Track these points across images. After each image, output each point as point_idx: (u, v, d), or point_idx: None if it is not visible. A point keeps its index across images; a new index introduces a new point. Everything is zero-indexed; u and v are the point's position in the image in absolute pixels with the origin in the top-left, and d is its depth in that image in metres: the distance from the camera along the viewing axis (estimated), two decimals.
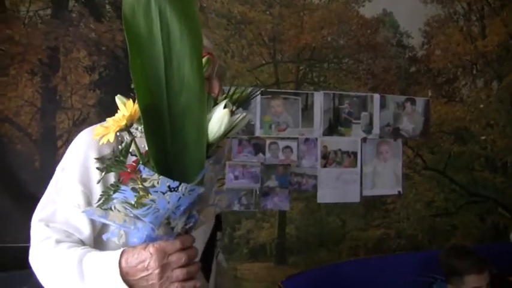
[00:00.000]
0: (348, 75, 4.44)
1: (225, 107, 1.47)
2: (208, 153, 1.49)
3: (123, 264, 1.52)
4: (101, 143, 1.46)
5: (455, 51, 4.72)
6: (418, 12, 4.62)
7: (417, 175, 4.62)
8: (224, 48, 4.05)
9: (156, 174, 1.40)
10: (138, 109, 1.44)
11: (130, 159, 1.55)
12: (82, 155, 1.83)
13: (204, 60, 1.52)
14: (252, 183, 4.09)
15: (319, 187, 4.24)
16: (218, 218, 2.22)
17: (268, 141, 4.14)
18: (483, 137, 4.81)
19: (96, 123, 2.08)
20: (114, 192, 1.46)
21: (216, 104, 1.50)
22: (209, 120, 1.47)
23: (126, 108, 1.45)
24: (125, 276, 1.52)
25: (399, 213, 4.55)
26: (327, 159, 4.25)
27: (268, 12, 4.21)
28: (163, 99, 1.45)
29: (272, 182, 4.14)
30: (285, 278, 3.63)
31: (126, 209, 1.45)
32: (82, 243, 1.78)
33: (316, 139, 4.25)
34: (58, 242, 1.72)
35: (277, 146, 4.15)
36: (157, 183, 1.40)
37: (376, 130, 4.40)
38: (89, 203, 1.81)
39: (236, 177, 4.06)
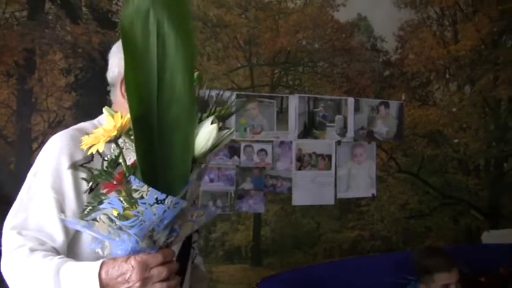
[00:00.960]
0: (322, 78, 4.47)
1: (212, 122, 1.48)
2: (192, 167, 1.49)
3: (103, 275, 1.51)
4: (89, 152, 1.45)
5: (428, 55, 4.78)
6: (392, 17, 4.66)
7: (391, 178, 4.66)
8: (200, 51, 4.06)
9: (146, 186, 1.41)
10: (128, 120, 1.45)
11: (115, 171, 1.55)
12: (54, 160, 1.82)
13: (195, 75, 1.52)
14: (227, 185, 4.10)
15: (294, 190, 4.26)
16: None
17: (243, 144, 4.15)
18: (456, 140, 4.87)
19: (72, 125, 2.08)
20: (101, 202, 1.45)
21: (201, 119, 1.51)
22: (196, 134, 1.47)
23: (114, 120, 1.45)
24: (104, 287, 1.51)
25: (373, 215, 4.59)
26: (301, 162, 4.28)
27: (243, 16, 4.23)
28: (154, 110, 1.46)
29: (247, 185, 4.15)
30: (261, 280, 3.64)
31: (111, 220, 1.44)
32: (56, 251, 1.76)
33: (291, 142, 4.27)
34: (32, 250, 1.70)
35: (252, 149, 4.17)
36: (146, 194, 1.41)
37: (350, 133, 4.44)
38: (61, 209, 1.80)
39: (211, 180, 4.07)
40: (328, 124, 4.37)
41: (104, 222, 1.46)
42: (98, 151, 1.93)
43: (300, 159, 4.28)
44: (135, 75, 1.45)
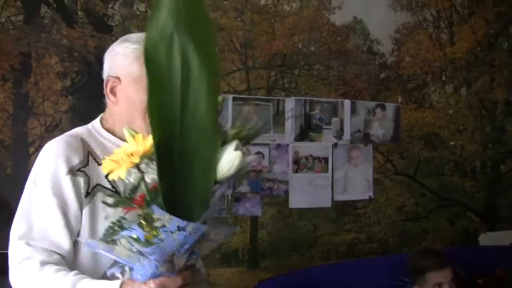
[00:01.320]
0: (318, 81, 4.47)
1: (235, 149, 1.47)
2: (213, 192, 1.49)
3: None
4: (110, 178, 1.44)
5: (424, 57, 4.78)
6: (388, 19, 4.67)
7: (388, 180, 4.66)
8: None
9: (168, 214, 1.40)
10: (151, 145, 1.43)
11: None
12: (51, 166, 1.84)
13: (219, 99, 1.51)
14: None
15: (291, 192, 4.26)
16: None
17: None
18: (452, 142, 4.88)
19: (68, 129, 2.09)
20: (121, 227, 1.45)
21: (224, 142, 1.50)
22: (219, 159, 1.46)
23: (136, 141, 1.45)
24: None
25: (370, 217, 4.59)
26: (298, 164, 4.28)
27: (239, 19, 4.23)
28: (176, 135, 1.44)
29: (244, 188, 4.15)
30: (258, 283, 3.64)
31: (131, 244, 1.44)
32: (64, 260, 1.78)
33: (288, 145, 4.27)
34: (42, 264, 1.71)
35: (249, 151, 4.16)
36: (168, 223, 1.40)
37: (347, 136, 4.44)
38: (65, 214, 1.82)
39: None
40: (324, 127, 4.37)
41: (124, 246, 1.45)
42: (92, 155, 1.95)
43: (296, 162, 4.28)
44: (158, 99, 1.43)
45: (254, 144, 4.14)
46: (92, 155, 1.93)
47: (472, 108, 4.91)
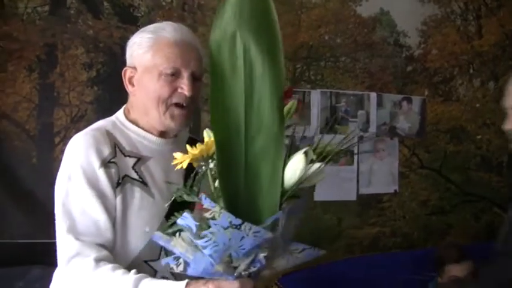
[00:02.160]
0: (344, 73, 4.44)
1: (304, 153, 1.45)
2: (283, 200, 1.46)
3: None
4: (177, 168, 1.48)
5: (451, 50, 4.73)
6: (415, 11, 4.63)
7: (413, 174, 4.63)
8: None
9: (218, 206, 1.39)
10: (213, 144, 1.44)
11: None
12: (84, 160, 1.85)
13: (289, 105, 1.51)
14: None
15: (316, 185, 4.23)
16: None
17: None
18: (479, 137, 4.83)
19: (93, 120, 2.10)
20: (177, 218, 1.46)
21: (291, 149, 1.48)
22: (285, 165, 1.45)
23: (205, 142, 1.48)
24: None
25: (395, 211, 4.56)
26: None
27: None
28: (241, 137, 1.44)
29: None
30: (282, 276, 3.64)
31: (189, 237, 1.44)
32: (112, 255, 1.80)
33: (313, 137, 4.24)
34: (97, 261, 1.72)
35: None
36: (218, 216, 1.38)
37: (372, 128, 4.41)
38: (105, 205, 1.84)
39: None
40: (350, 119, 4.35)
41: (182, 239, 1.46)
42: (119, 147, 1.96)
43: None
44: (222, 99, 1.44)
45: None
46: (118, 147, 1.94)
47: (499, 102, 4.84)
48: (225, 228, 1.37)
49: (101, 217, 1.83)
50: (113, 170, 1.88)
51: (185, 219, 1.42)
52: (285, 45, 4.23)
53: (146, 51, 1.97)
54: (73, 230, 1.79)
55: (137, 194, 1.93)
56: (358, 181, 4.38)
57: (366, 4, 4.46)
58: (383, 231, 4.52)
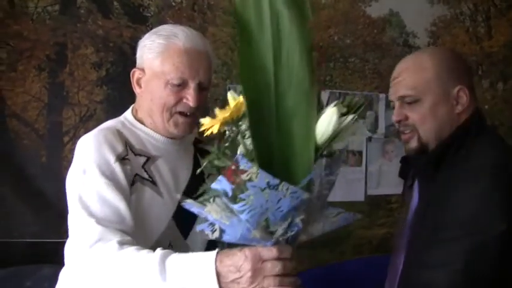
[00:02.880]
0: (354, 74, 4.44)
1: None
2: (317, 158, 1.43)
3: (218, 263, 1.50)
4: (207, 133, 1.46)
5: (461, 51, 4.71)
6: (424, 12, 4.62)
7: None
8: (231, 46, 4.05)
9: (255, 167, 1.35)
10: (243, 104, 1.42)
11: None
12: (98, 154, 1.85)
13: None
14: None
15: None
16: None
17: None
18: None
19: (103, 119, 2.11)
20: (212, 182, 1.42)
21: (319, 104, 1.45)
22: (317, 120, 1.41)
23: (234, 104, 1.45)
24: (217, 276, 1.49)
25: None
26: None
27: None
28: (271, 95, 1.41)
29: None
30: None
31: (224, 202, 1.41)
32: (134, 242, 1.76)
33: None
34: (120, 244, 1.69)
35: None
36: (256, 177, 1.34)
37: (381, 129, 4.41)
38: (122, 194, 1.83)
39: None
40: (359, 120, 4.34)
41: (217, 205, 1.43)
42: (129, 146, 1.96)
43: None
44: (251, 57, 1.41)
45: None
46: (129, 145, 1.95)
47: (508, 103, 4.84)
48: (263, 190, 1.34)
49: (120, 204, 1.81)
50: (128, 167, 1.88)
51: (220, 183, 1.38)
52: None
53: (156, 56, 1.97)
54: (94, 216, 1.76)
55: (147, 193, 1.93)
56: (366, 182, 4.38)
57: (375, 5, 4.45)
58: (391, 232, 4.51)
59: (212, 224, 1.49)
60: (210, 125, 1.46)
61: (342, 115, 1.42)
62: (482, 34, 4.81)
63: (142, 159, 1.97)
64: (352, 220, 1.56)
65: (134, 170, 1.92)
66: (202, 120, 1.49)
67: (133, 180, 1.89)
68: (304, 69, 1.39)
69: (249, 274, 1.46)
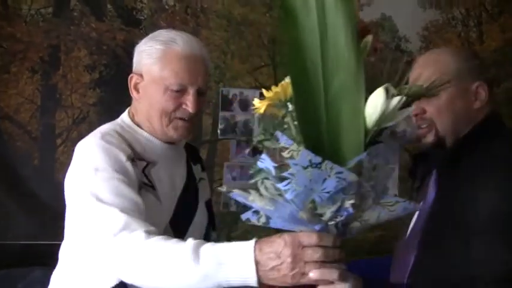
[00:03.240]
0: None
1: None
2: (367, 141, 1.38)
3: (257, 252, 1.46)
4: (256, 112, 1.46)
5: None
6: (416, 17, 4.63)
7: None
8: (224, 49, 4.06)
9: (295, 144, 1.32)
10: (289, 86, 1.40)
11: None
12: (108, 154, 1.82)
13: (368, 38, 1.46)
14: None
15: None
16: (211, 216, 2.23)
17: None
18: None
19: (96, 121, 2.11)
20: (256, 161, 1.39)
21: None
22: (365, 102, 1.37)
23: (282, 85, 1.44)
24: (255, 265, 1.45)
25: None
26: None
27: (268, 14, 4.22)
28: (319, 76, 1.37)
29: None
30: None
31: (271, 183, 1.38)
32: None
33: None
34: (148, 233, 1.64)
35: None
36: (297, 154, 1.31)
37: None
38: (129, 185, 1.80)
39: (234, 178, 4.08)
40: None
41: (260, 194, 1.41)
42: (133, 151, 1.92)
43: None
44: (296, 37, 1.37)
45: None
46: (132, 149, 1.93)
47: (500, 107, 4.85)
48: (305, 168, 1.30)
49: (138, 199, 1.78)
50: (137, 170, 1.86)
51: (264, 161, 1.36)
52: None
53: (154, 62, 1.95)
54: (116, 206, 1.71)
55: (148, 198, 1.89)
56: None
57: (367, 9, 4.47)
58: (384, 235, 4.52)
59: (257, 212, 1.47)
60: (257, 105, 1.46)
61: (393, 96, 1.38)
62: (474, 39, 4.83)
63: (143, 164, 1.94)
64: (412, 209, 1.49)
65: (139, 174, 1.90)
66: (254, 102, 1.49)
67: (140, 185, 1.88)
68: (350, 48, 1.36)
69: (289, 260, 1.42)
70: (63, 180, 1.89)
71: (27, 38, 3.67)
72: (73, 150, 1.90)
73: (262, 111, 1.44)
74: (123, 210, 1.69)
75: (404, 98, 1.38)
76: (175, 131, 1.99)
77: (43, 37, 3.70)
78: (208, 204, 2.23)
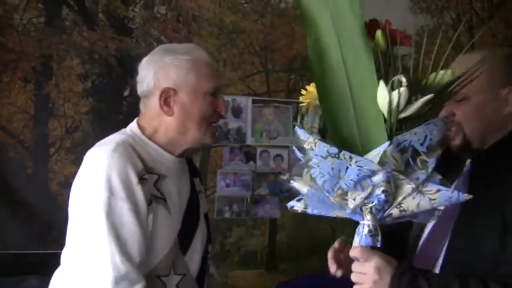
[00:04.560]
0: None
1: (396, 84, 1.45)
2: (393, 132, 1.45)
3: None
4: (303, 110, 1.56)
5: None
6: (407, 22, 4.64)
7: None
8: (216, 57, 4.07)
9: (311, 136, 1.44)
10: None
11: None
12: (123, 172, 1.83)
13: (379, 33, 1.55)
14: (244, 191, 4.11)
15: None
16: (208, 228, 2.25)
17: (259, 150, 4.16)
18: None
19: (89, 130, 2.10)
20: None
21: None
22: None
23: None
24: None
25: None
26: None
27: (259, 22, 4.24)
28: (343, 73, 1.48)
29: (263, 190, 4.16)
30: (276, 285, 3.64)
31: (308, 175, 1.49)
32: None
33: None
34: None
35: (268, 154, 4.17)
36: (315, 146, 1.43)
37: None
38: (140, 218, 1.84)
39: (227, 185, 4.09)
40: None
41: (303, 180, 1.51)
42: (143, 163, 1.93)
43: None
44: (315, 40, 1.49)
45: (274, 147, 4.15)
46: (143, 163, 1.93)
47: None
48: (325, 158, 1.40)
49: (140, 235, 1.83)
50: (146, 187, 1.87)
51: (294, 151, 1.50)
52: (279, 56, 4.25)
53: (188, 72, 1.99)
54: (121, 248, 1.78)
55: (161, 212, 1.93)
56: None
57: None
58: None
59: (300, 199, 1.57)
60: (305, 98, 1.62)
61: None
62: (465, 44, 4.84)
63: (155, 177, 1.96)
64: (455, 200, 1.45)
65: (150, 189, 1.92)
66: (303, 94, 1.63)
67: (151, 199, 1.89)
68: (363, 45, 1.47)
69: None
70: (57, 189, 1.89)
71: (19, 47, 3.67)
72: (66, 159, 1.91)
73: (305, 109, 1.58)
74: (128, 258, 1.78)
75: (404, 86, 1.44)
76: (212, 136, 2.07)
77: (35, 46, 3.70)
78: (207, 217, 2.27)
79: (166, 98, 1.99)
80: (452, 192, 1.44)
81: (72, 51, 3.77)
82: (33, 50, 3.69)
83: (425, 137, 1.45)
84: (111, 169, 1.82)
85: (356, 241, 1.55)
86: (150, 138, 2.03)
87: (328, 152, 1.40)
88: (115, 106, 3.71)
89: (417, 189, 1.45)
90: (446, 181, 1.48)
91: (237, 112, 4.11)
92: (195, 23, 4.03)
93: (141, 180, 1.87)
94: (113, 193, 1.81)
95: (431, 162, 1.46)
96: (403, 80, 1.45)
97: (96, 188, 1.82)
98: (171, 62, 2.00)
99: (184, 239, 2.03)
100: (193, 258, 2.06)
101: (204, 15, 4.04)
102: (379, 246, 1.52)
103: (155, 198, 1.92)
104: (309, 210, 1.53)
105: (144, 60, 2.07)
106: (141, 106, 2.08)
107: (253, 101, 4.14)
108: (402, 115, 1.44)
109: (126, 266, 1.76)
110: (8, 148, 3.62)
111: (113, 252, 1.76)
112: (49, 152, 3.69)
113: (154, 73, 2.01)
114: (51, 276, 1.96)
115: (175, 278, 1.97)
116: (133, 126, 2.07)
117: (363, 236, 1.51)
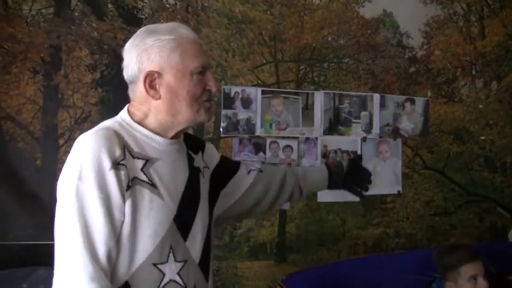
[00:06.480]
0: (348, 75, 4.45)
1: None
2: None
3: None
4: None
5: (454, 51, 4.73)
6: (418, 12, 4.63)
7: (416, 174, 4.63)
8: (225, 47, 4.06)
9: None
10: None
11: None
12: (95, 160, 1.81)
13: None
14: None
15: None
16: (211, 211, 2.23)
17: (268, 140, 4.15)
18: (482, 137, 4.82)
19: (98, 121, 2.09)
20: None
21: None
22: None
23: None
24: None
25: (398, 212, 4.56)
26: (327, 158, 4.26)
27: (269, 12, 4.22)
28: None
29: None
30: (285, 276, 3.65)
31: None
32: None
33: (317, 138, 4.25)
34: None
35: (278, 145, 4.16)
36: None
37: (376, 130, 4.41)
38: (109, 208, 1.82)
39: None
40: (353, 120, 4.35)
41: None
42: (127, 149, 1.94)
43: (325, 155, 4.26)
44: None
45: (283, 138, 4.14)
46: (127, 148, 1.92)
47: (502, 103, 4.85)
48: None
49: (107, 226, 1.81)
50: (123, 172, 1.85)
51: None
52: (289, 46, 4.24)
53: (171, 52, 1.95)
54: (90, 244, 1.78)
55: (146, 196, 1.90)
56: None
57: (368, 5, 4.47)
58: (387, 231, 4.52)
59: None
60: None
61: None
62: (475, 34, 4.82)
63: (141, 162, 1.94)
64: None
65: (132, 173, 1.89)
66: None
67: (130, 184, 1.88)
68: None
69: None
70: None
71: (28, 38, 3.67)
72: None
73: None
74: (94, 257, 1.77)
75: None
76: (206, 114, 2.05)
77: (44, 37, 3.70)
78: (212, 196, 2.25)
79: (151, 81, 1.97)
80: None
81: (81, 41, 3.77)
82: (42, 41, 3.69)
83: None
84: (84, 155, 1.83)
85: None
86: (140, 123, 2.01)
87: None
88: (124, 97, 3.69)
89: None
90: None
91: (246, 103, 4.10)
92: (204, 13, 4.02)
93: (116, 165, 1.85)
94: (82, 179, 1.80)
95: None
96: None
97: (69, 174, 1.84)
98: (153, 44, 1.97)
99: (182, 224, 2.00)
100: (196, 243, 2.03)
101: (213, 5, 4.04)
102: None
103: (140, 182, 1.90)
104: None
105: (127, 44, 2.04)
106: (129, 92, 2.07)
107: (263, 92, 4.12)
108: None
109: (92, 266, 1.76)
110: (17, 139, 3.63)
111: (81, 247, 1.77)
112: (58, 142, 3.70)
113: (137, 56, 1.98)
114: None
115: (175, 266, 1.95)
116: (123, 112, 2.06)
117: None
